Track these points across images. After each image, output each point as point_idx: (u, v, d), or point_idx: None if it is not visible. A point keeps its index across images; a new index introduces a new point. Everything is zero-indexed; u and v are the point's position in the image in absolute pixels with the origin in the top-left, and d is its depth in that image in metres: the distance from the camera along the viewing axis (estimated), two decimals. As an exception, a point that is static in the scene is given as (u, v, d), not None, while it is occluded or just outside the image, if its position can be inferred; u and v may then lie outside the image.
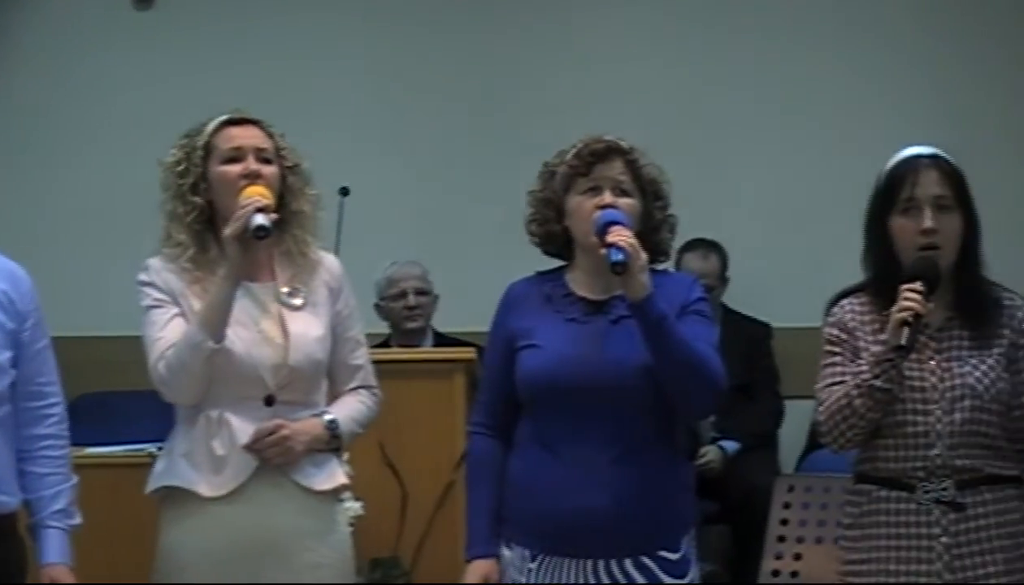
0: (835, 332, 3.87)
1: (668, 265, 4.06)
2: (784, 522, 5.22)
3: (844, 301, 3.91)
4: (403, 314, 6.86)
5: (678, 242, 4.14)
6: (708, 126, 7.53)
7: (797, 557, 5.12)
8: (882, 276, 3.84)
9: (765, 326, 7.19)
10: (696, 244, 7.01)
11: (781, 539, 5.20)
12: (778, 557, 5.17)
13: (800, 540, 5.15)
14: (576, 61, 7.65)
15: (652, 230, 3.91)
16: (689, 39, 7.66)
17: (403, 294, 6.87)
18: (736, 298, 7.26)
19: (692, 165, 7.08)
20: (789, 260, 7.40)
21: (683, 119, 7.42)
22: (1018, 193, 7.35)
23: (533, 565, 3.80)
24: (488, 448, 3.91)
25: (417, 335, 6.88)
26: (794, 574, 5.12)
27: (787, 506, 5.24)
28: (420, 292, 6.89)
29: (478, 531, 3.87)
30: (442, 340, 6.85)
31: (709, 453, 6.74)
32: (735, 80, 7.61)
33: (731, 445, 6.85)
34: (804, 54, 7.61)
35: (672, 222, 3.97)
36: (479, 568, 3.84)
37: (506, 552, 3.84)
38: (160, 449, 4.14)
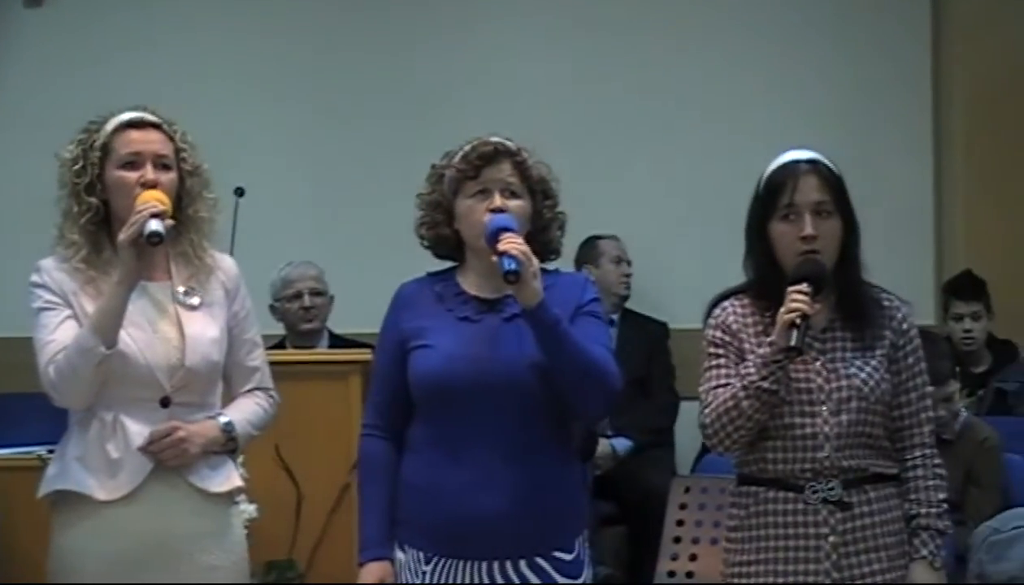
0: (718, 334, 3.89)
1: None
2: (680, 523, 5.25)
3: (725, 303, 3.93)
4: (299, 315, 6.83)
5: (575, 241, 4.14)
6: (605, 126, 7.56)
7: (693, 558, 5.16)
8: (764, 279, 3.86)
9: (663, 325, 7.22)
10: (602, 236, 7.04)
11: (677, 540, 5.23)
12: (674, 558, 5.20)
13: (695, 541, 5.18)
14: (472, 62, 7.66)
15: (542, 229, 3.90)
16: (585, 39, 7.68)
17: (299, 295, 6.84)
18: (632, 299, 7.28)
19: (589, 165, 7.14)
20: (685, 261, 7.44)
21: (580, 119, 7.45)
22: (905, 193, 7.44)
23: (427, 568, 3.78)
24: (380, 450, 3.88)
25: (313, 336, 6.85)
26: (689, 575, 5.15)
27: (683, 507, 5.27)
28: (316, 293, 6.86)
29: (372, 534, 3.84)
30: (338, 341, 6.82)
31: (601, 453, 6.74)
32: (632, 81, 7.64)
33: (623, 444, 6.86)
34: (700, 55, 7.67)
35: (562, 220, 3.95)
36: (373, 571, 3.81)
37: (400, 555, 3.82)
38: (50, 452, 4.09)
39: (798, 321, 3.67)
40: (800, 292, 3.70)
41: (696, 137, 7.59)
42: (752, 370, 3.74)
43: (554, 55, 7.64)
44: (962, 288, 7.01)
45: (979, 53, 7.52)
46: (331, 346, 6.79)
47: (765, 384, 3.72)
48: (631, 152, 7.58)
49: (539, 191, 3.88)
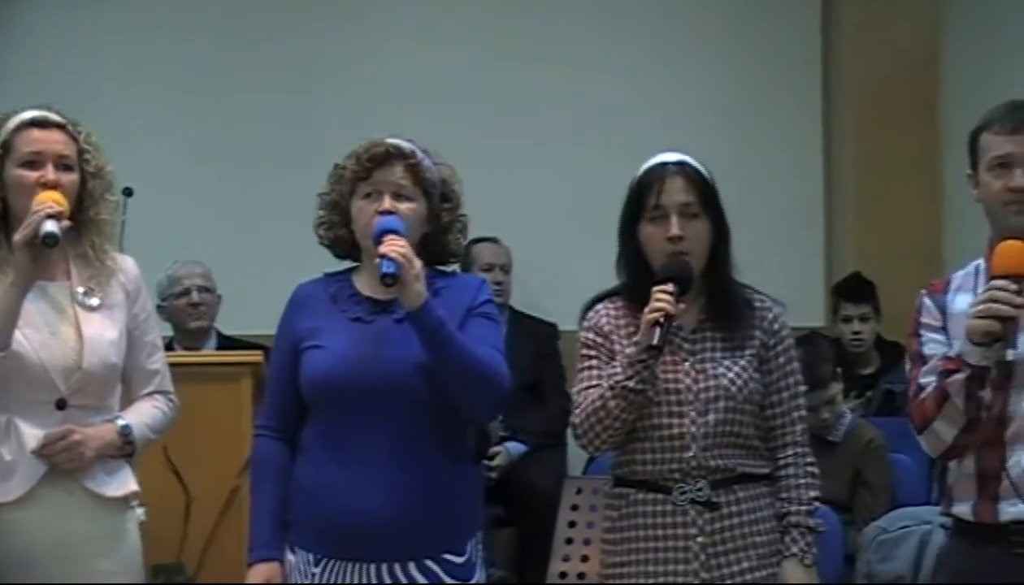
0: (591, 336, 3.91)
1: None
2: (571, 524, 5.26)
3: (599, 305, 3.96)
4: (186, 312, 6.76)
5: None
6: (495, 128, 7.54)
7: (584, 559, 5.16)
8: (635, 281, 3.89)
9: (552, 326, 7.23)
10: (483, 239, 7.04)
11: (568, 541, 5.24)
12: (565, 559, 5.20)
13: (587, 542, 5.19)
14: (370, 63, 7.62)
15: (441, 231, 3.89)
16: (482, 41, 7.68)
17: (186, 292, 6.77)
18: (523, 300, 7.28)
19: (478, 167, 7.10)
20: (574, 262, 7.44)
21: (469, 122, 7.42)
22: (794, 195, 7.49)
23: (317, 569, 3.76)
24: (273, 450, 3.86)
25: (201, 336, 6.78)
26: (581, 576, 5.16)
27: (574, 508, 5.28)
28: (203, 289, 6.80)
29: (261, 535, 3.83)
30: (227, 342, 6.76)
31: (495, 456, 6.74)
32: (525, 83, 7.65)
33: (517, 447, 6.86)
34: (588, 57, 7.69)
35: (463, 223, 3.95)
36: (260, 571, 3.80)
37: (290, 556, 3.80)
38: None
39: (661, 320, 3.69)
40: (664, 292, 3.72)
41: (586, 139, 7.60)
42: (618, 370, 3.77)
43: (444, 59, 7.63)
44: (851, 290, 7.08)
45: (868, 55, 7.59)
46: (220, 347, 6.73)
47: (631, 383, 3.75)
48: (524, 154, 7.58)
49: (437, 194, 3.87)
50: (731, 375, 3.83)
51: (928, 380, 3.67)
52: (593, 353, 3.89)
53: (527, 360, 6.91)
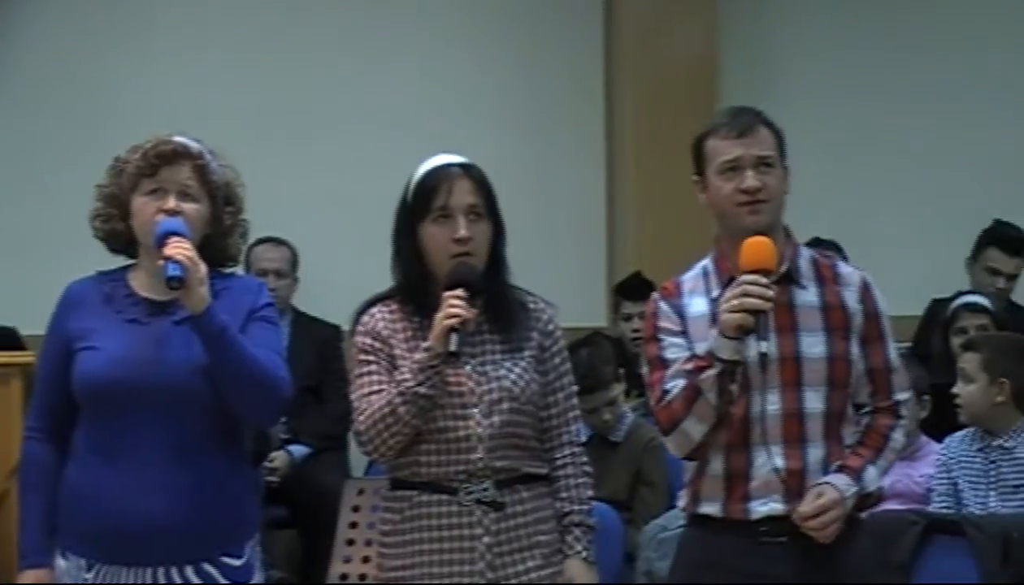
0: (368, 341, 3.89)
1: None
2: (353, 525, 5.24)
3: (373, 309, 3.94)
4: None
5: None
6: (277, 129, 7.47)
7: (365, 560, 5.14)
8: (413, 283, 3.89)
9: (334, 328, 7.18)
10: (265, 239, 6.97)
11: (350, 542, 5.21)
12: (347, 560, 5.18)
13: (369, 543, 5.16)
14: (142, 59, 7.49)
15: (222, 235, 3.85)
16: (265, 40, 7.59)
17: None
18: (307, 301, 7.23)
19: (260, 167, 7.02)
20: (360, 264, 7.39)
21: (249, 122, 7.33)
22: (577, 195, 7.54)
23: (89, 575, 3.69)
24: (42, 454, 3.78)
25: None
26: (362, 577, 5.14)
27: (356, 509, 5.26)
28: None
29: (30, 540, 3.75)
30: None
31: (276, 459, 6.67)
32: (311, 83, 7.59)
33: (299, 449, 6.81)
34: (373, 59, 7.65)
35: (244, 227, 3.91)
36: (30, 577, 3.72)
37: (61, 561, 3.73)
38: None
39: (457, 326, 3.69)
40: (457, 297, 3.73)
41: (370, 141, 7.56)
42: (408, 376, 3.76)
43: (232, 57, 7.53)
44: (632, 289, 7.12)
45: (649, 56, 7.66)
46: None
47: (422, 389, 3.74)
48: (305, 156, 7.51)
49: (221, 196, 3.82)
50: (513, 377, 3.85)
51: (674, 383, 3.75)
52: (372, 358, 3.87)
53: (310, 362, 6.87)
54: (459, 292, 3.74)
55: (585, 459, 3.96)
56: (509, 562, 3.82)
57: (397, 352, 3.85)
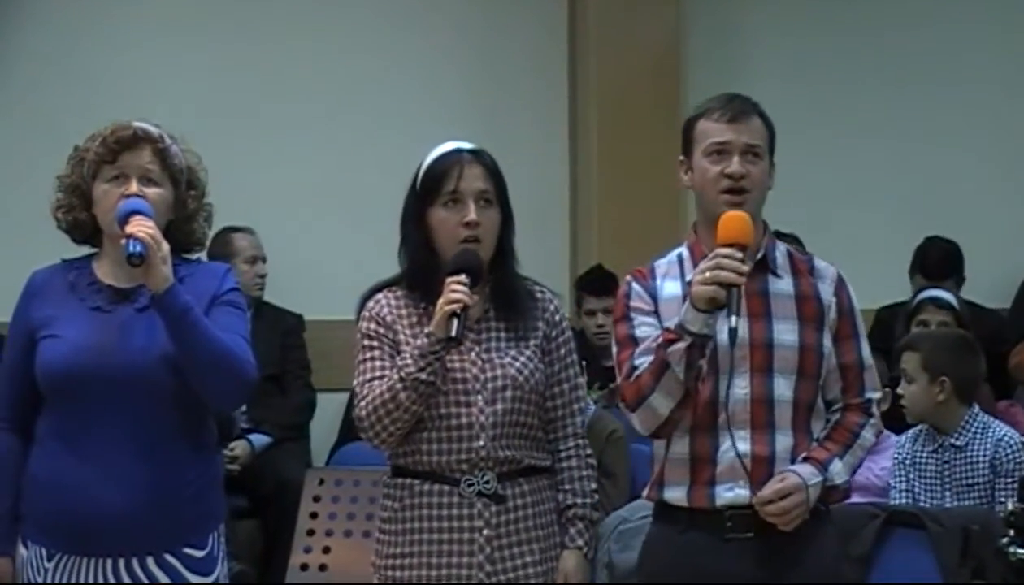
0: (373, 326, 3.87)
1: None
2: (314, 515, 5.22)
3: (379, 295, 3.92)
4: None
5: (214, 230, 4.07)
6: (244, 118, 7.43)
7: (326, 550, 5.14)
8: (420, 269, 3.87)
9: (298, 317, 7.17)
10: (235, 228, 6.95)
11: (311, 533, 5.20)
12: (307, 551, 5.17)
13: (329, 533, 5.16)
14: (115, 44, 7.44)
15: (186, 219, 3.83)
16: (234, 28, 7.55)
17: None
18: (270, 290, 7.21)
19: (227, 156, 7.01)
20: (324, 253, 7.39)
21: (219, 110, 7.30)
22: (541, 188, 7.54)
23: (50, 565, 3.68)
24: (5, 443, 3.76)
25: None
26: (323, 568, 5.13)
27: (317, 499, 5.25)
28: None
29: (-8, 529, 3.74)
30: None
31: (237, 448, 6.66)
32: (281, 71, 7.55)
33: (260, 439, 6.80)
34: (340, 50, 7.63)
35: (208, 211, 3.90)
36: (-9, 566, 3.72)
37: (23, 551, 3.71)
38: None
39: (459, 312, 3.68)
40: (459, 283, 3.72)
41: (334, 132, 7.54)
42: (409, 361, 3.74)
43: (199, 44, 7.48)
44: (594, 283, 7.13)
45: (613, 54, 7.66)
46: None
47: (423, 375, 3.72)
48: (268, 145, 7.48)
49: (183, 180, 3.81)
50: (518, 365, 3.84)
51: (643, 360, 3.74)
52: (376, 344, 3.85)
53: (272, 351, 6.86)
54: (461, 277, 3.73)
55: (590, 452, 3.94)
56: (508, 556, 3.80)
57: (401, 337, 3.83)
